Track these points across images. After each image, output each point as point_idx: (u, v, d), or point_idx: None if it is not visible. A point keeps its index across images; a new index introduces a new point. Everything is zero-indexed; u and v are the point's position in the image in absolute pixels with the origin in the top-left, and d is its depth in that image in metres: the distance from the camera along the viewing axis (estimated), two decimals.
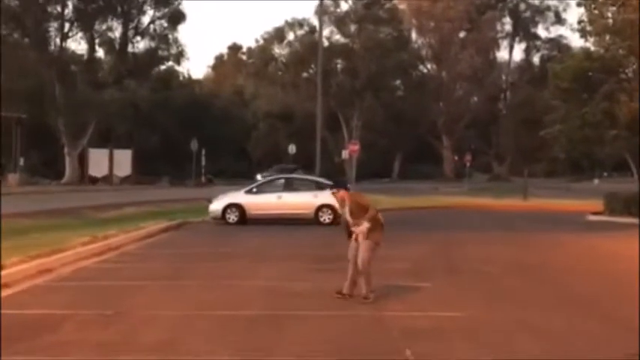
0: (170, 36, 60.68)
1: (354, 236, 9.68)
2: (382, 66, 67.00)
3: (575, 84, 28.96)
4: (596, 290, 11.12)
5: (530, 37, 79.19)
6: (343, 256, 10.05)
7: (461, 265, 13.73)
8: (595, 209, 27.83)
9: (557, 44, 76.85)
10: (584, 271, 13.25)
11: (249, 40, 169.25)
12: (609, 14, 28.12)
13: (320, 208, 22.44)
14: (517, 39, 79.27)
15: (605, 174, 74.74)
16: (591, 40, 29.43)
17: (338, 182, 10.12)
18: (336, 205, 10.82)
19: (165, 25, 59.78)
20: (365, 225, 9.54)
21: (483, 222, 25.28)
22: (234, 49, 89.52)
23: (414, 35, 76.50)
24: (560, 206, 33.45)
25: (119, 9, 58.03)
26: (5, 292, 10.02)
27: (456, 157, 76.35)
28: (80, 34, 57.21)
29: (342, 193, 9.80)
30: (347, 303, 9.39)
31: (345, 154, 46.23)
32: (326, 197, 22.24)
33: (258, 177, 45.69)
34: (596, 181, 62.29)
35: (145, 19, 59.68)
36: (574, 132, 29.53)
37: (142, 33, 60.09)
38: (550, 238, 19.53)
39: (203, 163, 54.93)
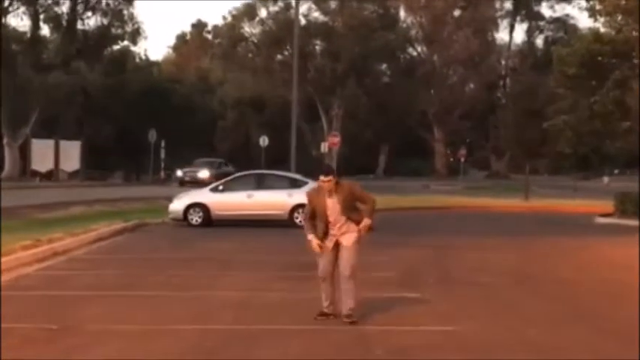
0: (125, 12, 60.41)
1: (330, 241, 9.12)
2: (366, 48, 67.10)
3: (582, 70, 29.14)
4: (606, 304, 11.19)
5: (533, 17, 79.69)
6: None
7: (454, 274, 13.76)
8: (605, 211, 28.03)
9: (563, 25, 77.51)
10: (592, 281, 13.33)
11: (215, 17, 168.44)
12: None
13: (295, 208, 22.39)
14: (518, 18, 79.79)
15: (616, 171, 75.36)
16: (601, 20, 29.62)
17: (328, 168, 9.45)
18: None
19: None
20: (367, 221, 9.12)
21: (479, 225, 25.37)
22: (199, 27, 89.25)
23: (402, 13, 76.81)
24: (566, 207, 33.69)
25: None
26: None
27: (449, 152, 76.73)
28: (22, 9, 56.73)
29: (333, 179, 9.07)
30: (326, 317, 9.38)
31: (324, 147, 46.36)
32: (302, 196, 22.17)
33: (179, 173, 46.07)
34: (605, 179, 62.78)
35: None
36: (581, 124, 29.73)
37: (93, 8, 59.72)
38: (554, 243, 19.63)
39: (162, 156, 54.73)
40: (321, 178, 9.08)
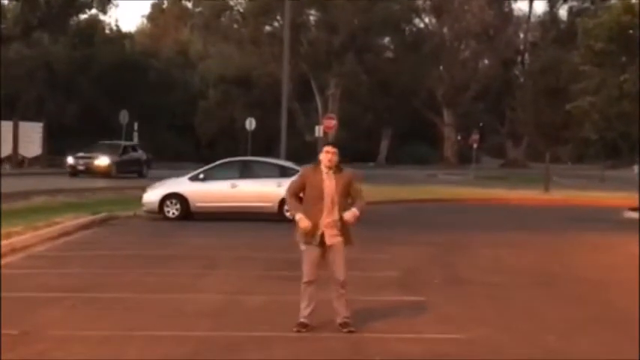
0: None
1: (316, 238, 9.00)
2: (367, 19, 66.97)
3: (611, 44, 29.12)
4: (633, 307, 11.20)
5: None
6: None
7: (463, 275, 13.79)
8: (634, 204, 28.05)
9: None
10: (619, 282, 13.36)
11: None
12: None
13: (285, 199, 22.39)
14: None
15: None
16: None
17: (333, 142, 9.39)
18: None
19: None
20: (355, 211, 8.99)
21: (493, 220, 25.41)
22: None
23: None
24: (591, 200, 33.72)
25: None
26: None
27: (460, 137, 76.74)
28: None
29: (337, 155, 9.04)
30: (318, 322, 9.37)
31: (318, 131, 46.24)
32: None
33: (69, 160, 42.64)
34: (636, 168, 62.81)
35: None
36: (610, 105, 29.73)
37: None
38: (577, 240, 19.66)
39: (136, 141, 54.59)
40: (326, 148, 9.13)
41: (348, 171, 9.29)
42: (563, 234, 21.02)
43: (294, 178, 9.34)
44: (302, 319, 9.15)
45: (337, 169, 9.10)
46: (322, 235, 9.04)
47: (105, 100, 60.39)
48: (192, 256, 15.32)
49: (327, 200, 9.02)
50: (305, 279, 9.15)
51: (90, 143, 44.42)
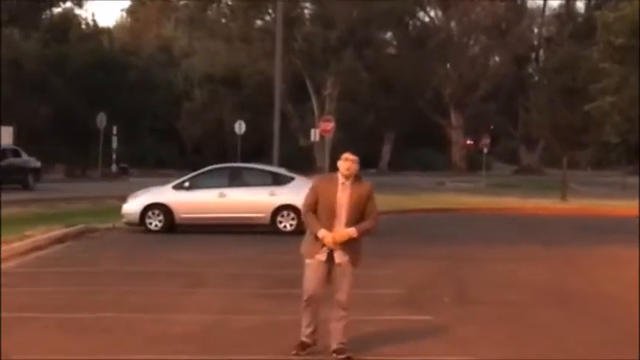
0: None
1: (323, 254, 8.83)
2: (367, 12, 67.03)
3: (633, 39, 29.21)
4: None
5: None
6: None
7: (475, 292, 13.76)
8: None
9: None
10: None
11: None
12: None
13: (279, 210, 22.36)
14: None
15: None
16: None
17: (353, 150, 9.13)
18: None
19: None
20: (352, 232, 8.79)
21: (506, 231, 25.39)
22: None
23: None
24: (613, 209, 33.72)
25: None
26: None
27: (470, 141, 76.75)
28: None
29: (356, 165, 8.90)
30: (321, 345, 9.32)
31: (314, 134, 46.28)
32: (287, 195, 22.19)
33: None
34: None
35: None
36: (632, 106, 29.80)
37: None
38: (598, 253, 19.63)
39: (114, 145, 54.61)
40: (345, 155, 8.89)
41: (367, 183, 9.06)
42: (582, 247, 20.98)
43: (307, 192, 9.09)
44: (303, 338, 9.02)
45: (355, 179, 8.91)
46: (331, 252, 8.87)
47: (80, 101, 60.38)
48: (177, 273, 15.26)
49: (341, 213, 8.84)
50: (306, 296, 8.96)
51: (64, 149, 44.30)
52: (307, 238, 9.02)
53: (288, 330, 9.92)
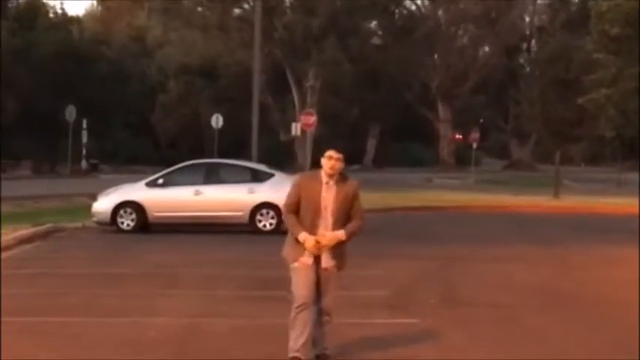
0: None
1: (309, 256, 8.67)
2: (351, 0, 66.98)
3: (628, 29, 29.29)
4: None
5: None
6: (287, 279, 9.15)
7: (464, 294, 13.79)
8: None
9: None
10: None
11: None
12: None
13: (258, 208, 22.35)
14: None
15: None
16: None
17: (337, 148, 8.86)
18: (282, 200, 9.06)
19: None
20: (340, 235, 8.64)
21: (497, 230, 25.45)
22: None
23: None
24: (608, 207, 33.83)
25: None
26: None
27: (458, 135, 76.90)
28: None
29: (342, 163, 8.76)
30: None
31: (295, 128, 46.19)
32: (267, 192, 22.18)
33: None
34: None
35: None
36: (627, 99, 29.89)
37: None
38: (594, 254, 19.69)
39: (84, 140, 54.43)
40: (329, 152, 8.68)
41: (354, 181, 8.91)
42: (576, 246, 21.04)
43: (289, 191, 8.88)
44: (293, 354, 8.68)
45: (340, 178, 8.76)
46: (318, 255, 8.72)
47: (48, 93, 60.08)
48: (151, 274, 15.24)
49: (326, 215, 8.68)
50: (297, 302, 8.71)
51: (31, 144, 44.18)
52: (289, 240, 8.85)
53: (269, 334, 9.91)
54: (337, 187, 8.72)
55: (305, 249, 8.67)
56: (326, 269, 8.74)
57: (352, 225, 8.74)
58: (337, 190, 8.71)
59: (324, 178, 8.72)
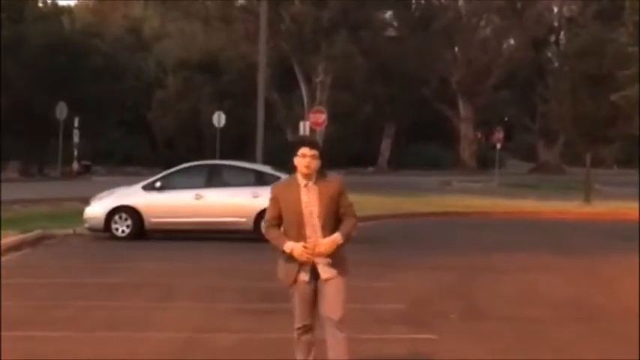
0: None
1: (305, 271, 8.36)
2: None
3: None
4: None
5: None
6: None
7: (485, 307, 13.80)
8: None
9: None
10: None
11: None
12: None
13: (263, 213, 22.20)
14: None
15: None
16: None
17: (312, 140, 8.73)
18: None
19: None
20: (337, 238, 8.30)
21: (522, 238, 25.40)
22: None
23: None
24: None
25: None
26: None
27: (480, 135, 76.83)
28: None
29: (318, 158, 8.40)
30: None
31: (304, 127, 46.20)
32: None
33: None
34: None
35: None
36: None
37: None
38: (628, 264, 19.61)
39: (76, 140, 54.51)
40: (301, 150, 8.39)
41: (335, 178, 8.69)
42: (608, 256, 21.00)
43: (267, 206, 8.68)
44: None
45: (320, 177, 8.45)
46: (314, 268, 8.40)
47: (38, 89, 60.16)
48: (146, 285, 15.27)
49: (311, 221, 8.37)
50: (299, 324, 8.50)
51: (19, 144, 44.24)
52: (280, 261, 8.55)
53: (273, 350, 9.91)
54: (319, 189, 8.41)
55: (299, 265, 8.37)
56: (327, 279, 8.41)
57: (347, 225, 8.42)
58: (319, 191, 8.40)
59: (302, 181, 8.42)
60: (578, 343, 11.25)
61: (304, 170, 8.35)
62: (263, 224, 8.75)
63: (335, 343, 8.42)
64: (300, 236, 8.36)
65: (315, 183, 8.39)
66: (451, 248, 21.93)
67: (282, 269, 8.53)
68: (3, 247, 19.27)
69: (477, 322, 12.47)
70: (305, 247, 8.30)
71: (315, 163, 8.34)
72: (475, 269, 18.02)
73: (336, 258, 8.40)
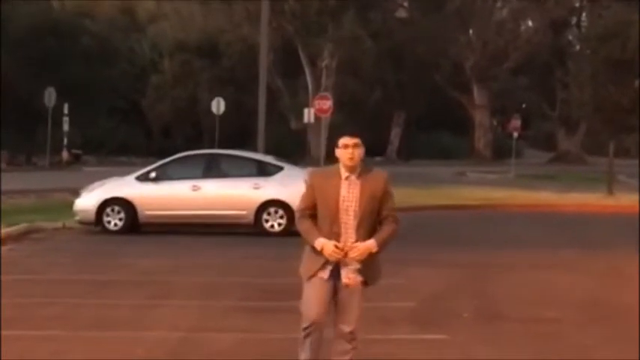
0: None
1: (326, 270, 8.12)
2: None
3: None
4: None
5: None
6: (297, 288, 8.80)
7: (500, 306, 13.80)
8: None
9: None
10: None
11: None
12: None
13: (265, 206, 22.33)
14: None
15: None
16: None
17: (352, 133, 8.31)
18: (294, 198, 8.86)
19: None
20: (372, 245, 8.10)
21: (540, 233, 25.38)
22: None
23: None
24: None
25: None
26: None
27: (496, 123, 76.75)
28: None
29: (362, 149, 8.17)
30: None
31: (308, 115, 46.23)
32: (275, 188, 22.18)
33: None
34: None
35: None
36: None
37: None
38: None
39: (66, 128, 54.51)
40: (343, 140, 8.11)
41: (380, 172, 8.37)
42: (632, 252, 20.96)
43: (302, 193, 8.40)
44: None
45: (364, 169, 8.21)
46: (336, 268, 8.18)
47: (24, 74, 60.19)
48: (140, 282, 15.28)
49: (347, 219, 8.14)
50: (305, 322, 8.23)
51: (5, 132, 44.22)
52: (306, 253, 8.30)
53: (274, 351, 9.92)
54: (361, 183, 8.15)
55: (324, 262, 8.13)
56: (347, 285, 8.19)
57: (385, 231, 8.20)
58: (362, 187, 8.14)
59: (344, 173, 8.17)
60: (599, 347, 11.24)
61: (348, 163, 8.11)
62: (296, 213, 8.41)
63: (341, 354, 8.34)
64: (332, 233, 8.11)
65: (359, 177, 8.17)
66: (464, 244, 21.92)
67: (306, 262, 8.28)
68: None
69: (490, 323, 12.47)
70: (336, 248, 8.04)
71: (359, 152, 8.12)
72: (490, 266, 18.01)
73: (366, 264, 8.20)
